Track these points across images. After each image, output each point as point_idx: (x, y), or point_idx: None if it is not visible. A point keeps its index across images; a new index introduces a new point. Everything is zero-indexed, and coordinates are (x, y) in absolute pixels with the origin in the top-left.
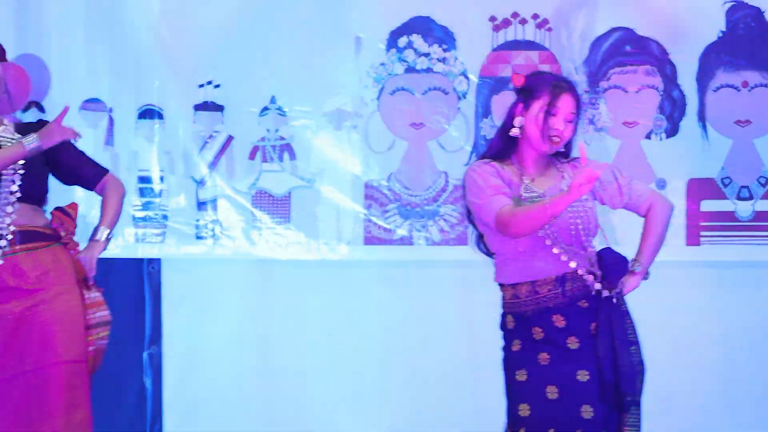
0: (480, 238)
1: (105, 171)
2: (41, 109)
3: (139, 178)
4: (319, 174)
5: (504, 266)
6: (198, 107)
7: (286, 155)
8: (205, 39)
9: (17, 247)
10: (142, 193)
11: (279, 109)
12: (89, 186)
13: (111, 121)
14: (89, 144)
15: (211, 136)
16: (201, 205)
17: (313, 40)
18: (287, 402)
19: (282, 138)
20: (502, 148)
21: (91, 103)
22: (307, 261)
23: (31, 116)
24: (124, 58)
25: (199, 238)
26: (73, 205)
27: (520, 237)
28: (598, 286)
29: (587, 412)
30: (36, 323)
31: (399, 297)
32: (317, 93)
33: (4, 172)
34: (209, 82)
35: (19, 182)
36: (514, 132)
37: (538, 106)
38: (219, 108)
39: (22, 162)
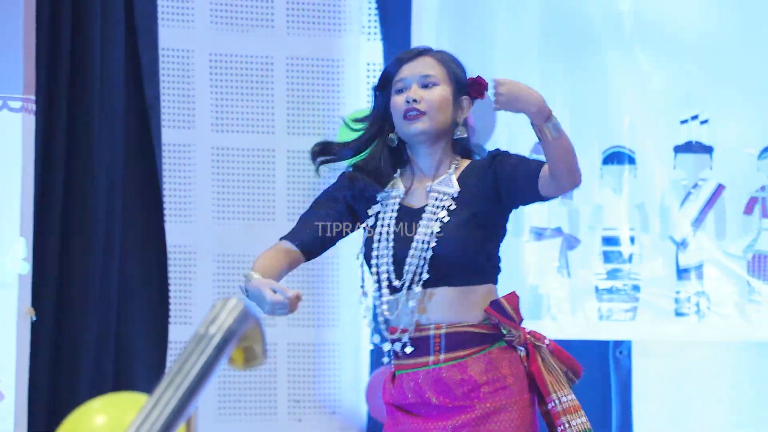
0: None
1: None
2: None
3: (603, 239)
4: None
5: None
6: (679, 149)
7: None
8: (687, 60)
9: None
10: (607, 257)
11: None
12: None
13: None
14: None
15: (695, 186)
16: (682, 272)
17: None
18: None
19: None
20: None
21: None
22: None
23: None
24: (585, 87)
25: (679, 314)
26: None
27: None
28: None
29: None
30: None
31: None
32: None
33: None
34: (694, 117)
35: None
36: None
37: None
38: (706, 150)
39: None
